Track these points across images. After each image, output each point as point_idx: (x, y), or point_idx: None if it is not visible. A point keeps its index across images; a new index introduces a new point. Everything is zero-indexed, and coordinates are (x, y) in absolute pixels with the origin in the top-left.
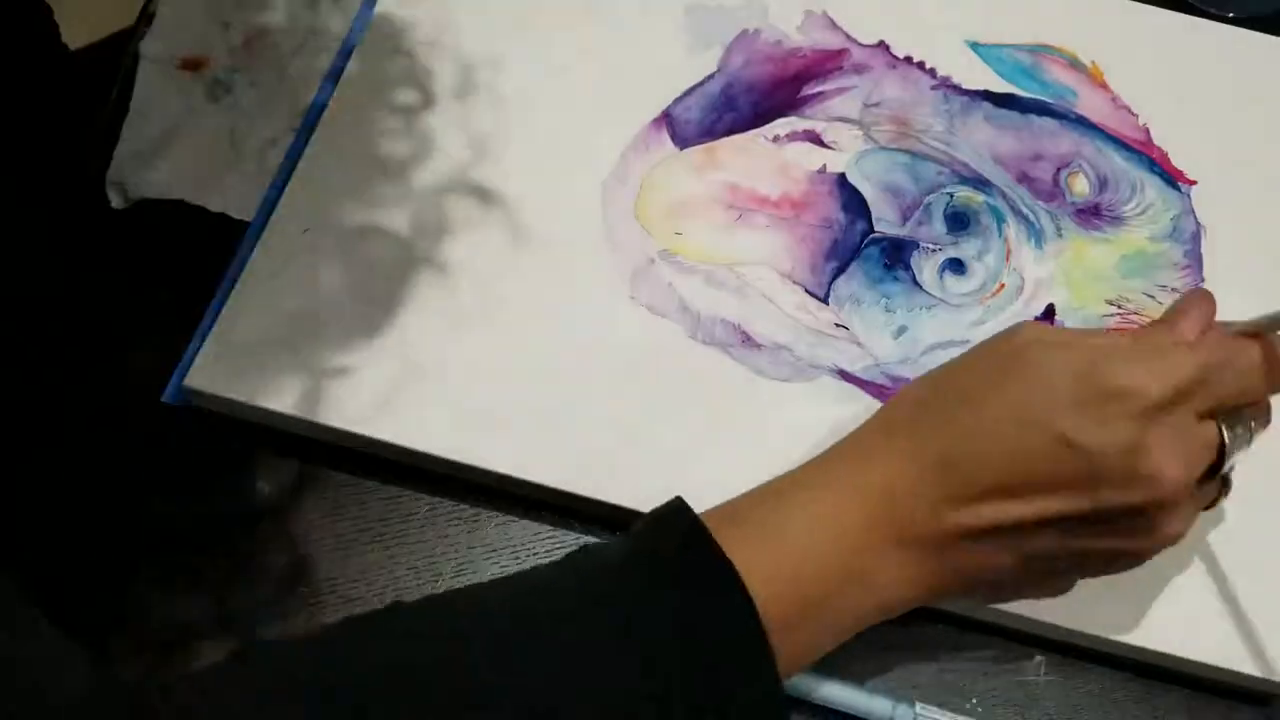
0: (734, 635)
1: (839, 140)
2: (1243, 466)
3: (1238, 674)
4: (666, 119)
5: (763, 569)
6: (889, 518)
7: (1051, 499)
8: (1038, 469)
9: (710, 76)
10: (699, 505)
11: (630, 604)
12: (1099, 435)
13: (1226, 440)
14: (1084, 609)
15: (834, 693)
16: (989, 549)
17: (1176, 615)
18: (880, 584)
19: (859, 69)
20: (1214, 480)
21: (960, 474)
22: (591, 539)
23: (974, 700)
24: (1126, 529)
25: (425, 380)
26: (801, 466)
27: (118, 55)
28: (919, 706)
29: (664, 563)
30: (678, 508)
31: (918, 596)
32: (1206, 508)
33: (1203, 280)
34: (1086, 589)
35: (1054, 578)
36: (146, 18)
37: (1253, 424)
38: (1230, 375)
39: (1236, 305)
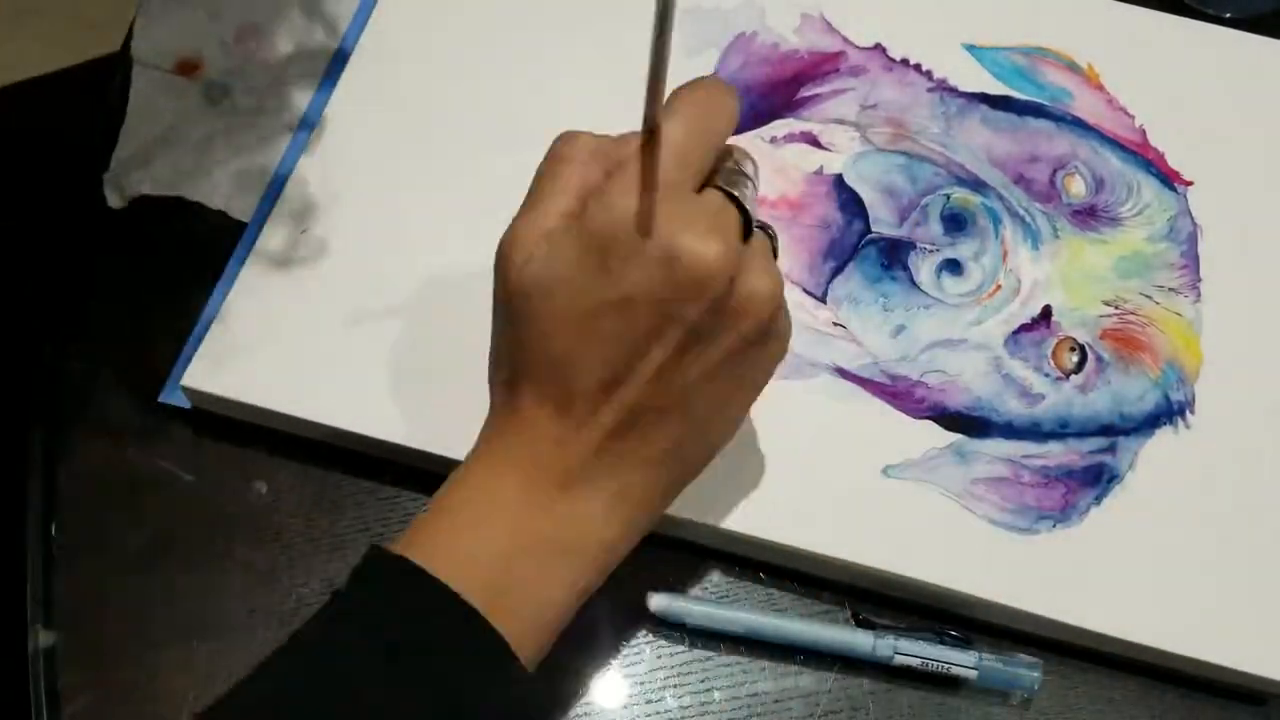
0: (444, 618)
1: (836, 142)
2: (1242, 466)
3: (1235, 673)
4: None
5: (446, 564)
6: (540, 472)
7: (651, 352)
8: (618, 341)
9: None
10: (698, 503)
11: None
12: (626, 280)
13: (733, 193)
14: (1084, 608)
15: (815, 630)
16: (653, 426)
17: (1175, 614)
18: (575, 532)
19: (855, 71)
20: (755, 235)
21: (561, 393)
22: None
23: (966, 692)
24: (728, 321)
25: (424, 379)
26: (451, 478)
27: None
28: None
29: (365, 598)
30: (366, 555)
31: (624, 518)
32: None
33: (1200, 280)
34: (1087, 588)
35: (727, 406)
36: (139, 21)
37: (738, 166)
38: (694, 142)
39: (1235, 306)
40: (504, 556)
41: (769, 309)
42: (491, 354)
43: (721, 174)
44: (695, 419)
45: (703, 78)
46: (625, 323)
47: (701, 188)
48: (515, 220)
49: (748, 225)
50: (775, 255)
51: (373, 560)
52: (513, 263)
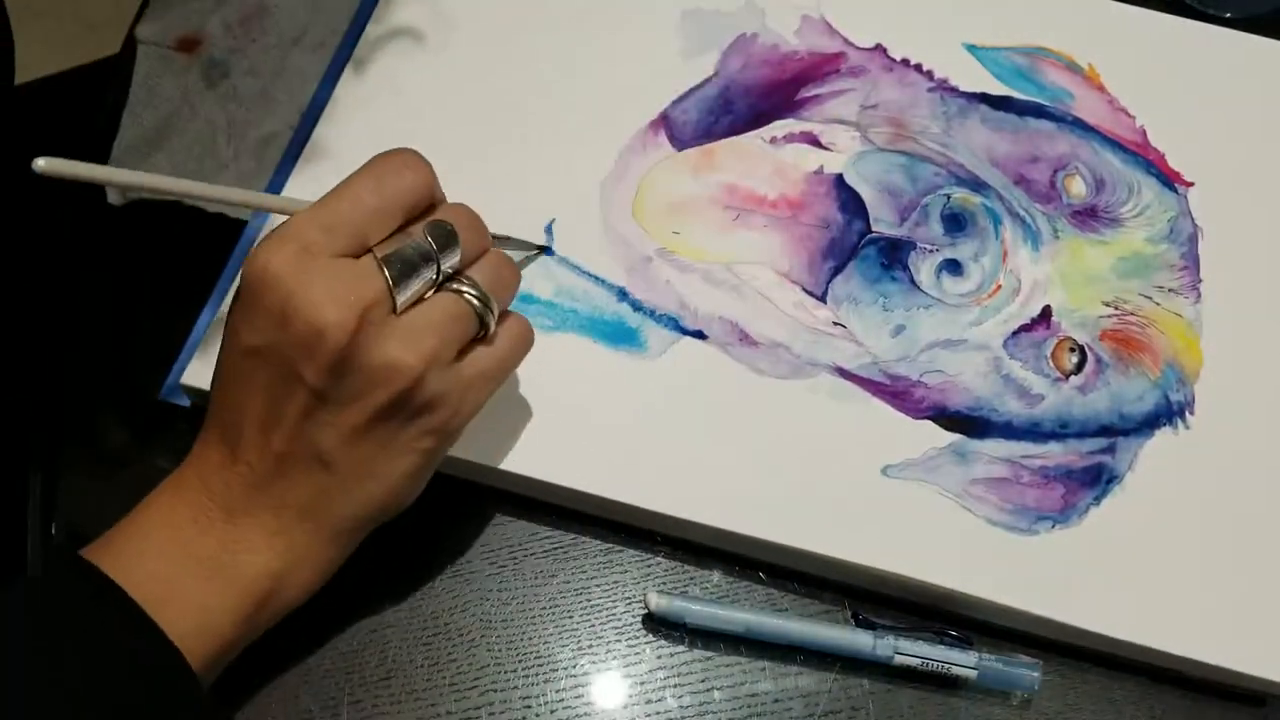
0: (114, 613)
1: (836, 142)
2: (1242, 466)
3: (1235, 673)
4: (664, 121)
5: (116, 569)
6: (209, 499)
7: (286, 405)
8: (261, 388)
9: (708, 80)
10: (696, 501)
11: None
12: (256, 331)
13: (380, 260)
14: (1084, 608)
15: (815, 630)
16: (296, 474)
17: (1174, 614)
18: (234, 558)
19: (856, 71)
20: (424, 308)
21: (228, 426)
22: (589, 539)
23: (965, 691)
24: (356, 388)
25: None
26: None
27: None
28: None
29: (47, 589)
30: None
31: (284, 552)
32: (480, 340)
33: (1200, 281)
34: (1086, 588)
35: (379, 467)
36: (149, 8)
37: (422, 239)
38: (346, 205)
39: (1235, 307)
40: (167, 570)
41: (401, 382)
42: None
43: (393, 242)
44: (340, 475)
45: (395, 150)
46: (264, 371)
47: (364, 253)
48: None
49: (394, 302)
50: (486, 332)
51: (61, 559)
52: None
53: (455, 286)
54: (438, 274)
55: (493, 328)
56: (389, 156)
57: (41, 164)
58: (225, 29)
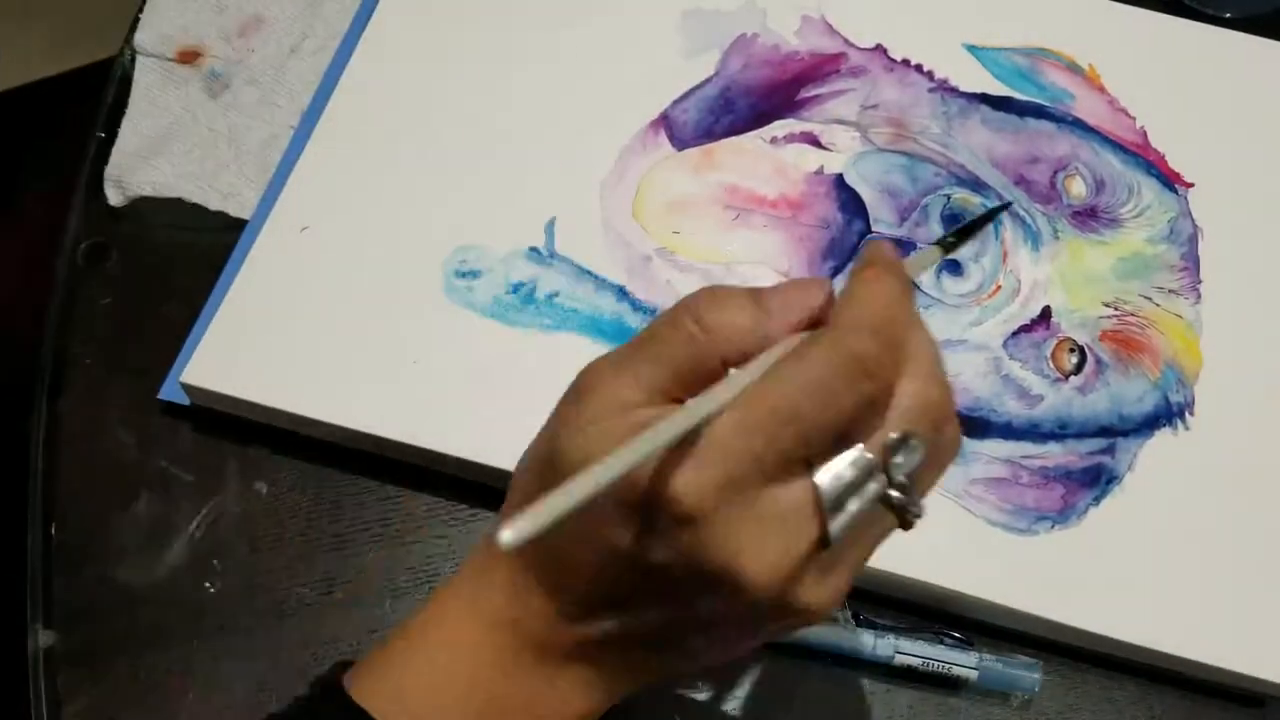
0: None
1: (837, 142)
2: (1242, 467)
3: (1234, 674)
4: (664, 121)
5: (404, 711)
6: (520, 639)
7: (643, 609)
8: (623, 585)
9: (708, 80)
10: None
11: None
12: (648, 547)
13: (822, 493)
14: (1083, 609)
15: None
16: (619, 649)
17: (1173, 615)
18: (538, 704)
19: (856, 72)
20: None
21: (560, 574)
22: None
23: (965, 693)
24: (762, 617)
25: (425, 377)
26: (428, 602)
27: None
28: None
29: None
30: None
31: (591, 701)
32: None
33: (1200, 282)
34: (1085, 589)
35: (717, 652)
36: (144, 13)
37: (881, 450)
38: (803, 411)
39: (1234, 308)
40: (470, 714)
41: (816, 620)
42: (529, 450)
43: (837, 467)
44: (686, 652)
45: (866, 335)
46: (639, 575)
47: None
48: (606, 361)
49: (825, 536)
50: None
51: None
52: (577, 408)
53: (889, 493)
54: (887, 489)
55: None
56: (854, 364)
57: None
58: (225, 40)
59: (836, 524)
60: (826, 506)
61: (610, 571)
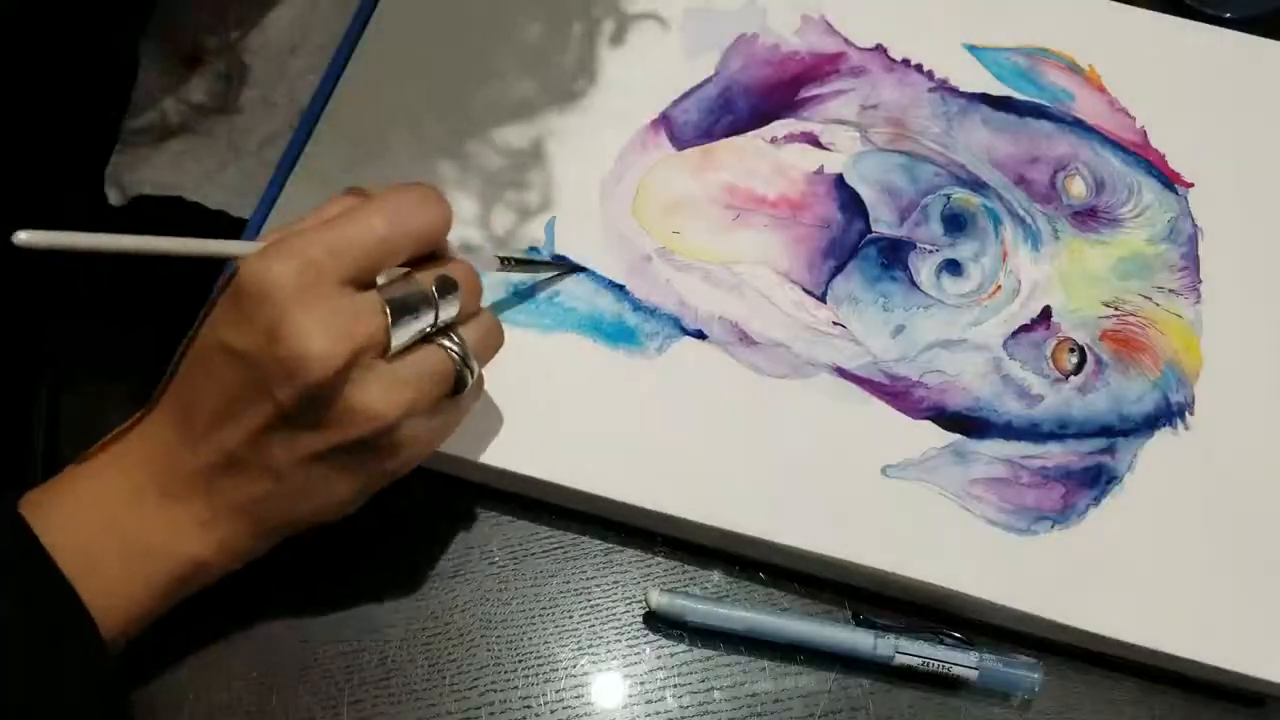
0: (29, 565)
1: (836, 142)
2: (1242, 467)
3: (1234, 674)
4: (664, 120)
5: (50, 529)
6: (148, 477)
7: (249, 411)
8: (228, 386)
9: (708, 80)
10: (696, 501)
11: None
12: (240, 335)
13: (386, 303)
14: (1083, 608)
15: (816, 630)
16: (242, 477)
17: (1173, 615)
18: (163, 539)
19: (856, 72)
20: (412, 360)
21: (184, 410)
22: (589, 539)
23: (966, 693)
24: (328, 421)
25: None
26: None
27: (117, 53)
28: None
29: None
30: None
31: (213, 543)
32: (456, 392)
33: (1200, 282)
34: (1085, 589)
35: (326, 487)
36: (146, 14)
37: (431, 289)
38: (357, 232)
39: (1234, 308)
40: (94, 544)
41: (371, 427)
42: None
43: (400, 285)
44: (284, 488)
45: (416, 184)
46: (234, 372)
47: (369, 289)
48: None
49: (387, 345)
50: (461, 389)
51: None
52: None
53: (444, 342)
54: (433, 325)
55: (469, 388)
56: (409, 190)
57: (23, 237)
58: (228, 47)
59: (397, 337)
60: (390, 316)
61: (215, 374)
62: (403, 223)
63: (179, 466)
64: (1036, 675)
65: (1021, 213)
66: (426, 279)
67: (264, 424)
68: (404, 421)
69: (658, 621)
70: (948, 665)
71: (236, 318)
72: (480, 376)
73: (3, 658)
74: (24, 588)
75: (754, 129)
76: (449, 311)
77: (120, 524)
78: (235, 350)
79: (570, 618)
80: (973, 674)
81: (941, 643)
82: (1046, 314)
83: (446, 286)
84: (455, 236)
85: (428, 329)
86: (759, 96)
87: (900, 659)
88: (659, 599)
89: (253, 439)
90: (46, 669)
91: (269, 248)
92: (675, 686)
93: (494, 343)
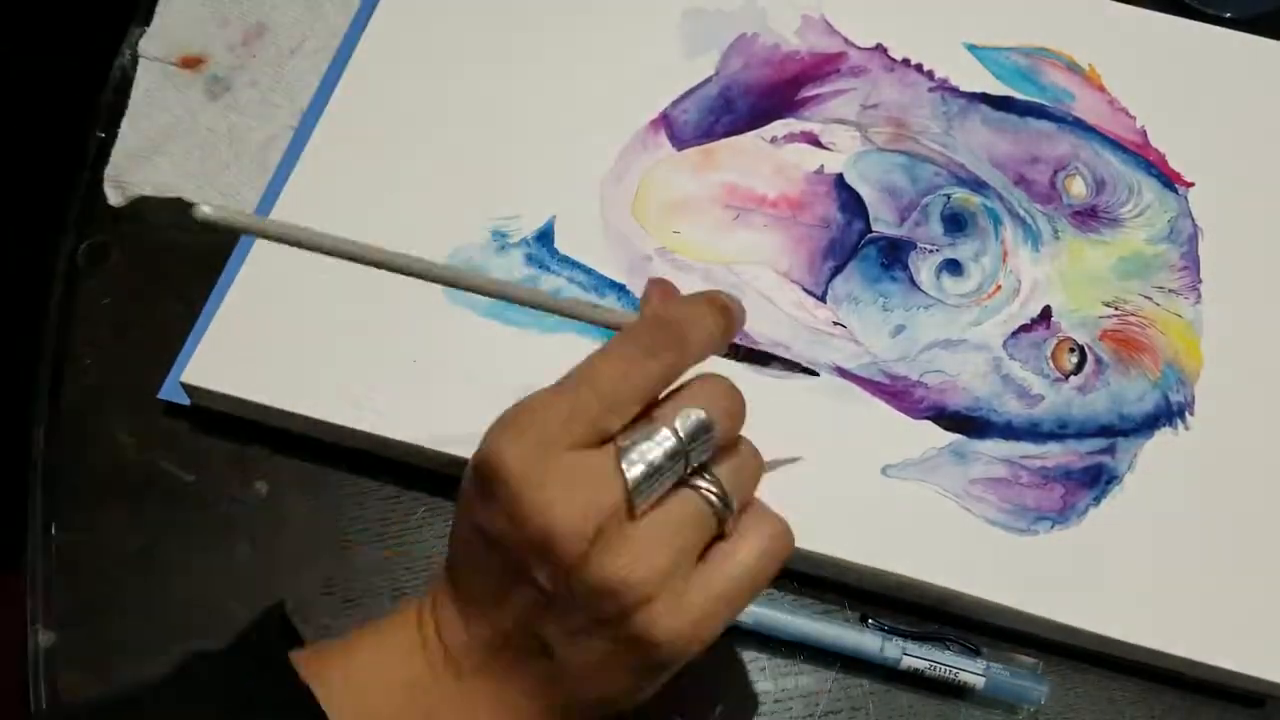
0: None
1: (837, 142)
2: (1242, 467)
3: (1234, 674)
4: (664, 120)
5: (343, 708)
6: (443, 652)
7: (514, 593)
8: (492, 569)
9: (708, 79)
10: None
11: None
12: (489, 518)
13: (621, 453)
14: (1083, 608)
15: (825, 630)
16: (519, 654)
17: (1173, 615)
18: (458, 714)
19: (856, 71)
20: (655, 516)
21: (457, 584)
22: None
23: (969, 700)
24: (582, 596)
25: (424, 376)
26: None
27: (116, 53)
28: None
29: (251, 698)
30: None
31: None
32: (721, 538)
33: (1200, 282)
34: (1085, 588)
35: (605, 666)
36: (145, 15)
37: (670, 432)
38: (600, 379)
39: (1235, 308)
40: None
41: (633, 596)
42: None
43: (635, 434)
44: (565, 667)
45: (669, 319)
46: (496, 556)
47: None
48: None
49: (630, 501)
50: (723, 534)
51: (277, 671)
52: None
53: (697, 483)
54: (684, 472)
55: (730, 529)
56: (662, 329)
57: (207, 211)
58: (228, 49)
59: (641, 498)
60: (630, 475)
61: (476, 558)
62: (644, 375)
63: (468, 644)
64: (1043, 688)
65: (1022, 212)
66: (668, 420)
67: (530, 604)
68: (666, 582)
69: None
70: (954, 671)
71: (482, 502)
72: (763, 518)
73: None
74: None
75: (754, 129)
76: (701, 456)
77: (419, 699)
78: (489, 535)
79: None
80: (979, 681)
81: (947, 649)
82: (1046, 314)
83: (697, 430)
84: (454, 238)
85: (678, 478)
86: (759, 96)
87: (908, 661)
88: None
89: (523, 620)
90: None
91: (501, 427)
92: (676, 686)
93: (753, 474)
